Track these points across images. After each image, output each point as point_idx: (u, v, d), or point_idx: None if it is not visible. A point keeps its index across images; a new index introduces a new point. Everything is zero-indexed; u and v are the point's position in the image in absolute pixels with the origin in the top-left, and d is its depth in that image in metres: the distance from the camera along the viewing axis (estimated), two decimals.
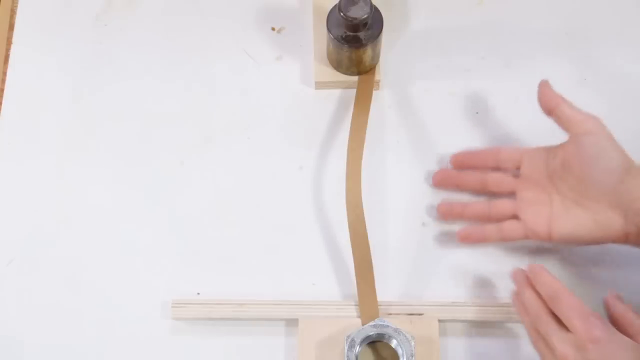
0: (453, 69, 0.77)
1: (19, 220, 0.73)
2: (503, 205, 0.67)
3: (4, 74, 0.79)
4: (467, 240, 0.68)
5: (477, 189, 0.70)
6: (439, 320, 0.66)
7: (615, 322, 0.58)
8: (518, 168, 0.67)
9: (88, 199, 0.74)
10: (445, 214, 0.70)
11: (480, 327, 0.67)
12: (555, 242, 0.64)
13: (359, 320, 0.66)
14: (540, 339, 0.58)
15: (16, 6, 0.82)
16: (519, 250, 0.70)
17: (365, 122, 0.72)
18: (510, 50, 0.77)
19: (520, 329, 0.67)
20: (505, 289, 0.68)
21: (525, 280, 0.60)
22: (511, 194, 0.67)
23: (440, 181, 0.71)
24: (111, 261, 0.71)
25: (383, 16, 0.71)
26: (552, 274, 0.58)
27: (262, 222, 0.72)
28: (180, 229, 0.72)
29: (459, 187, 0.71)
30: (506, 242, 0.69)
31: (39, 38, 0.80)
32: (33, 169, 0.75)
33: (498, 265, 0.69)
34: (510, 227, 0.66)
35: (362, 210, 0.68)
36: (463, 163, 0.71)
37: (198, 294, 0.70)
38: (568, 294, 0.56)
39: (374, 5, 0.69)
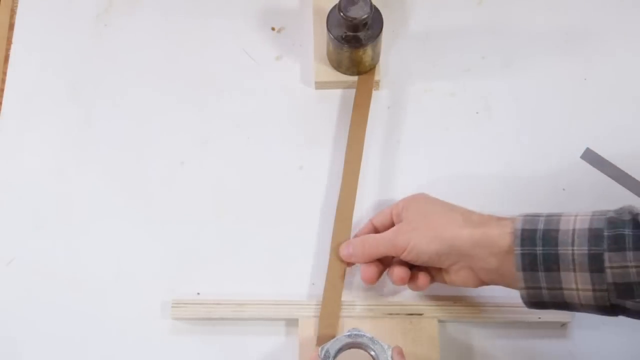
0: (453, 69, 0.77)
1: (19, 220, 0.73)
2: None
3: (4, 74, 0.79)
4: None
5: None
6: (439, 320, 0.66)
7: None
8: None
9: (88, 199, 0.73)
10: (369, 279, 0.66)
11: (481, 327, 0.67)
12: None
13: (358, 320, 0.66)
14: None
15: (16, 6, 0.82)
16: None
17: (365, 123, 0.72)
18: (510, 50, 0.77)
19: (520, 329, 0.67)
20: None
21: None
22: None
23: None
24: (111, 261, 0.71)
25: (383, 16, 0.71)
26: None
27: (262, 222, 0.72)
28: (180, 229, 0.72)
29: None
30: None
31: (39, 38, 0.80)
32: (33, 168, 0.75)
33: None
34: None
35: (351, 223, 0.69)
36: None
37: (198, 294, 0.70)
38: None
39: (374, 5, 0.69)
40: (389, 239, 0.63)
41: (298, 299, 0.68)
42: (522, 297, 0.57)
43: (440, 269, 0.63)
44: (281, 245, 0.71)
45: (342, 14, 0.68)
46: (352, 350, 0.62)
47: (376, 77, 0.75)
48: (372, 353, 0.61)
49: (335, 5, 0.70)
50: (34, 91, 0.78)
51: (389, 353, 0.60)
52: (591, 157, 0.71)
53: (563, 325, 0.67)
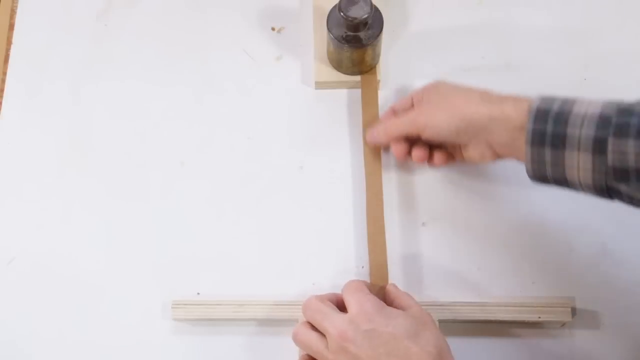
0: (453, 69, 0.77)
1: (19, 220, 0.73)
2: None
3: (4, 74, 0.79)
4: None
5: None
6: (439, 320, 0.66)
7: (390, 303, 0.63)
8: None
9: (88, 199, 0.74)
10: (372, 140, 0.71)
11: (480, 327, 0.67)
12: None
13: None
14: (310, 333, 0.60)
15: (16, 6, 0.82)
16: (519, 251, 0.70)
17: (377, 121, 0.72)
18: (510, 50, 0.77)
19: (520, 329, 0.67)
20: (505, 289, 0.68)
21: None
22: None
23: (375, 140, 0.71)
24: (111, 261, 0.71)
25: (383, 16, 0.71)
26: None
27: (262, 222, 0.72)
28: (181, 229, 0.72)
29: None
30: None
31: (39, 38, 0.80)
32: (33, 169, 0.75)
33: (498, 265, 0.70)
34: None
35: (383, 223, 0.69)
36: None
37: (198, 294, 0.70)
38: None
39: (374, 5, 0.69)
40: (411, 118, 0.66)
41: (298, 299, 0.68)
42: (527, 171, 0.60)
43: (459, 147, 0.67)
44: (281, 245, 0.71)
45: (342, 13, 0.68)
46: None
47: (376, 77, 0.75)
48: None
49: (335, 5, 0.69)
50: (34, 91, 0.78)
51: None
52: None
53: (563, 325, 0.67)
